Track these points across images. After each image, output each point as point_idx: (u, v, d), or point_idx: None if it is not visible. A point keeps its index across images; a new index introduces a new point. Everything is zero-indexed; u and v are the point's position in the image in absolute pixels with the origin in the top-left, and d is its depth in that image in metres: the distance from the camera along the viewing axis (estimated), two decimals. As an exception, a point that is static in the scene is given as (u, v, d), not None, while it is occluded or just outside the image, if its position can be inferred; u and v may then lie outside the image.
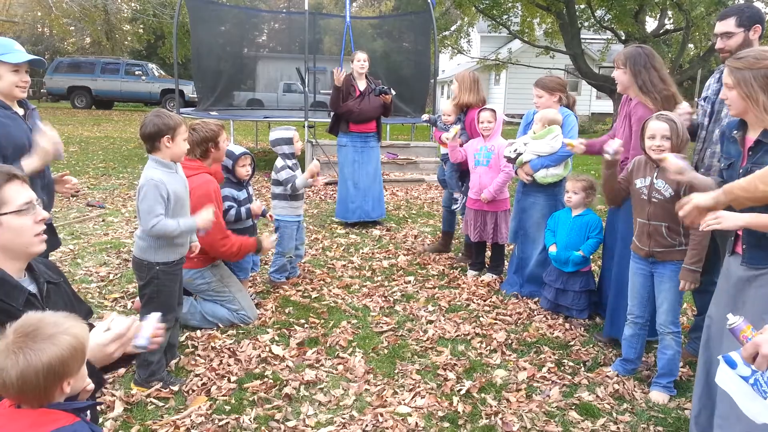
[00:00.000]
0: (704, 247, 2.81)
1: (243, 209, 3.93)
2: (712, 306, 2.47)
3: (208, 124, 3.61)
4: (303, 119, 9.35)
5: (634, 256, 3.09)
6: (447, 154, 5.03)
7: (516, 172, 4.28)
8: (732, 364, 1.65)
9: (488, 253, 4.93)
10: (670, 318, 2.96)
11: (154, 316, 1.76)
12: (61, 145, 2.68)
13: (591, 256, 3.93)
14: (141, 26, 26.92)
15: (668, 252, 2.91)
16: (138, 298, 3.78)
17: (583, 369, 3.29)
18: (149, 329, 1.70)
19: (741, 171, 2.19)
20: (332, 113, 6.42)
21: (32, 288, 1.77)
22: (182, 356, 3.28)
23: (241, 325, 3.71)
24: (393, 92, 6.03)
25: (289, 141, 4.38)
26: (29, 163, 2.56)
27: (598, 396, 3.00)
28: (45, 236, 1.73)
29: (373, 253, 5.43)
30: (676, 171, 2.58)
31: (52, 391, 1.33)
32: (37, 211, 1.70)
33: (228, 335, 3.59)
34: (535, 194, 4.24)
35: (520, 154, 4.11)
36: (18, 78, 2.62)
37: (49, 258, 3.28)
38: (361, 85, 6.06)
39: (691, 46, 17.61)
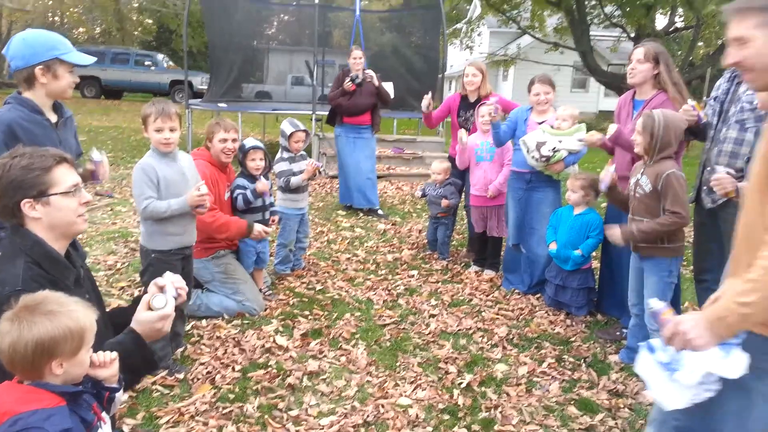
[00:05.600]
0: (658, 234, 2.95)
1: (249, 191, 3.86)
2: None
3: (216, 119, 3.81)
4: (311, 112, 9.39)
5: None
6: (438, 217, 5.11)
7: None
8: (651, 350, 1.68)
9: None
10: None
11: (168, 277, 1.84)
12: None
13: (592, 254, 3.95)
14: (149, 17, 26.94)
15: (650, 248, 3.04)
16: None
17: (583, 365, 3.32)
18: (171, 288, 1.81)
19: None
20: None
21: None
22: (188, 345, 3.34)
23: (247, 315, 3.76)
24: (358, 80, 6.26)
25: (284, 134, 4.41)
26: None
27: (597, 392, 3.03)
28: (86, 216, 1.85)
29: (377, 247, 5.47)
30: None
31: (41, 368, 1.38)
32: (82, 193, 1.81)
33: (233, 325, 3.64)
34: (544, 189, 4.20)
35: (557, 152, 3.96)
36: (72, 79, 2.54)
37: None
38: (357, 80, 6.33)
39: (700, 44, 17.50)
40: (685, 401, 1.62)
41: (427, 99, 5.23)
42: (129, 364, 1.64)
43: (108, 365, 1.54)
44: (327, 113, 6.90)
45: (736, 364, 1.52)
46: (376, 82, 6.37)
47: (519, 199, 4.30)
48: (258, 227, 3.80)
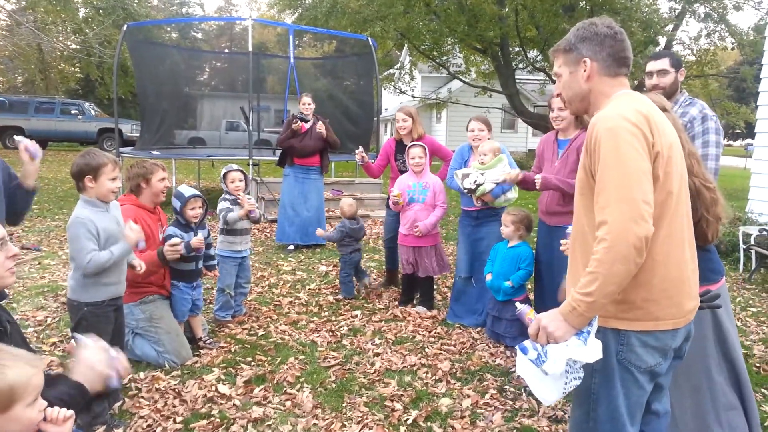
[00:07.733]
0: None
1: (182, 246, 3.72)
2: None
3: (143, 162, 3.68)
4: (247, 157, 9.39)
5: None
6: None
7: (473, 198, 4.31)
8: (524, 350, 1.83)
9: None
10: None
11: (113, 352, 1.80)
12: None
13: (527, 286, 4.11)
14: (78, 64, 26.22)
15: None
16: (72, 341, 3.73)
17: (523, 394, 3.42)
18: (115, 369, 1.76)
19: None
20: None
21: None
22: (126, 399, 3.22)
23: (165, 366, 3.65)
24: (299, 122, 6.63)
25: (222, 179, 4.49)
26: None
27: (538, 419, 3.13)
28: (15, 270, 1.81)
29: (319, 289, 5.47)
30: None
31: None
32: (9, 247, 1.78)
33: (172, 376, 3.54)
34: (489, 223, 4.41)
35: (480, 185, 4.15)
36: None
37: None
38: (307, 124, 6.73)
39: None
40: (558, 393, 1.78)
41: (359, 154, 5.21)
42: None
43: (60, 423, 1.46)
44: (262, 158, 7.03)
45: (593, 350, 1.70)
46: (325, 133, 6.71)
47: (468, 234, 4.54)
48: (167, 247, 3.59)
